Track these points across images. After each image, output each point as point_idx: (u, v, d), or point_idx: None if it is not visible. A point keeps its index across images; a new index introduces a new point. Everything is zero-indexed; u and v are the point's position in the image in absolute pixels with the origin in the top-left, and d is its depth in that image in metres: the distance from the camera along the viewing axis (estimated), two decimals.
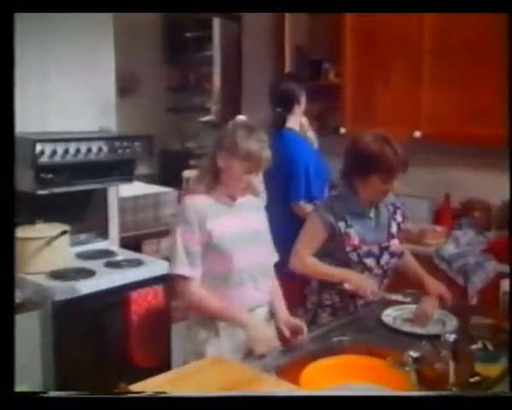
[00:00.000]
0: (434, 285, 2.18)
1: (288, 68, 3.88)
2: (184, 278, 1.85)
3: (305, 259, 2.15)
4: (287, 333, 1.87)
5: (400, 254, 2.22)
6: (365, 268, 2.14)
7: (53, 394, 1.22)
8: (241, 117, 1.93)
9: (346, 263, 2.12)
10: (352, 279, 2.07)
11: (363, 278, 2.10)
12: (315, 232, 2.15)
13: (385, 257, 2.17)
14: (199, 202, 1.87)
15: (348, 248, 2.11)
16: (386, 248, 2.17)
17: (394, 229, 2.22)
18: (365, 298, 2.09)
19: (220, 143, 1.87)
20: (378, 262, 2.15)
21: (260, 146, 1.82)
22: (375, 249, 2.14)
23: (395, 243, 2.19)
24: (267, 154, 1.84)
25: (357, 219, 2.14)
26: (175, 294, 1.97)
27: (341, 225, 2.12)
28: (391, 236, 2.20)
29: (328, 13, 3.42)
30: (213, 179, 1.89)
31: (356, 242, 2.12)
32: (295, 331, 1.87)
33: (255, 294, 1.93)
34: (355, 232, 2.12)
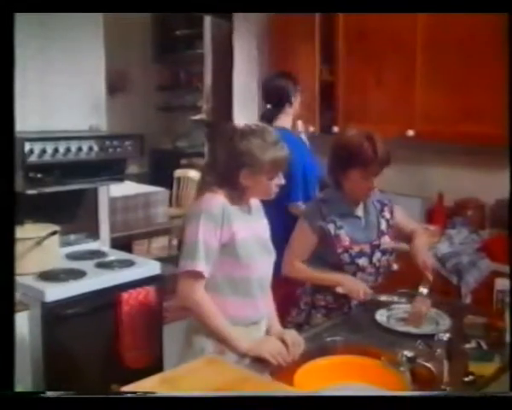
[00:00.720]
0: (421, 253, 2.16)
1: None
2: (198, 275, 1.76)
3: (296, 266, 2.17)
4: (284, 352, 1.76)
5: (392, 251, 2.23)
6: (358, 268, 2.15)
7: (53, 394, 1.22)
8: (239, 123, 1.88)
9: (338, 265, 2.14)
10: (344, 283, 2.09)
11: (355, 281, 2.11)
12: (304, 239, 2.17)
13: (377, 255, 2.18)
14: (223, 200, 1.79)
15: (339, 250, 2.12)
16: (378, 246, 2.18)
17: (384, 226, 2.23)
18: (358, 300, 2.10)
19: (236, 160, 1.77)
20: (370, 261, 2.16)
21: (278, 150, 1.77)
22: (367, 249, 2.16)
23: (386, 241, 2.21)
24: (286, 151, 1.80)
25: (346, 220, 2.15)
26: (170, 295, 1.93)
27: (331, 227, 2.13)
28: (381, 233, 2.21)
29: (322, 13, 3.46)
30: (235, 192, 1.81)
31: (347, 243, 2.13)
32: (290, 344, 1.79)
33: (262, 306, 1.88)
34: (345, 233, 2.13)
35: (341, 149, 2.15)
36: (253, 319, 1.86)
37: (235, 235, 1.78)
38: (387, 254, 2.22)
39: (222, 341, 1.78)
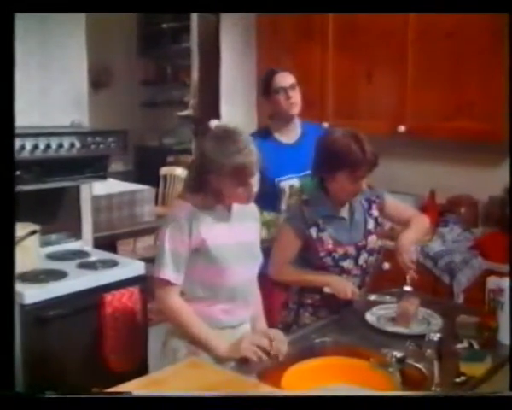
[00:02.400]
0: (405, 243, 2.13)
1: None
2: (168, 283, 1.81)
3: (282, 269, 2.17)
4: (265, 344, 1.77)
5: (379, 250, 2.23)
6: (343, 271, 2.14)
7: (53, 394, 1.25)
8: (214, 124, 1.87)
9: (321, 268, 2.13)
10: (331, 284, 2.09)
11: (343, 281, 2.10)
12: (287, 242, 2.16)
13: (363, 256, 2.17)
14: (193, 208, 1.82)
15: (322, 253, 2.12)
16: (364, 246, 2.17)
17: (371, 225, 2.21)
18: (346, 299, 2.10)
19: (204, 165, 1.80)
20: (356, 263, 2.16)
21: (244, 156, 1.75)
22: (352, 250, 2.15)
23: (373, 240, 2.19)
24: (253, 157, 1.77)
25: (330, 222, 2.14)
26: (153, 297, 1.93)
27: (313, 230, 2.12)
28: (368, 233, 2.20)
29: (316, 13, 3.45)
30: (209, 196, 1.84)
31: (330, 246, 2.12)
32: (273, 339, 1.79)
33: (243, 311, 1.91)
34: (328, 236, 2.12)
35: (328, 149, 2.10)
36: (230, 323, 1.87)
37: (206, 241, 1.81)
38: (375, 254, 2.21)
39: (200, 345, 1.81)
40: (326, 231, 2.13)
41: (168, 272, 1.80)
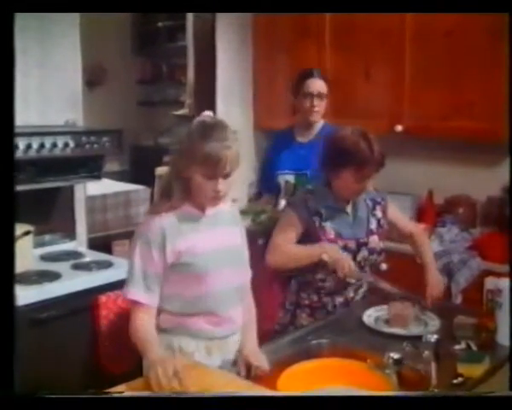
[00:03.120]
0: (434, 282, 2.18)
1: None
2: (138, 303, 1.73)
3: (283, 247, 2.15)
4: (255, 364, 1.72)
5: (381, 251, 2.23)
6: None
7: (53, 394, 1.26)
8: (205, 114, 1.80)
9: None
10: (329, 252, 2.07)
11: (340, 252, 2.09)
12: (289, 225, 2.16)
13: (363, 253, 2.18)
14: (163, 220, 1.73)
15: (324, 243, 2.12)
16: (365, 244, 2.19)
17: (374, 225, 2.23)
18: (344, 274, 2.06)
19: (181, 152, 1.74)
20: (355, 258, 2.16)
21: (220, 146, 1.66)
22: (352, 245, 2.16)
23: (374, 240, 2.21)
24: (230, 154, 1.67)
25: (332, 214, 2.15)
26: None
27: (316, 219, 2.14)
28: (370, 232, 2.21)
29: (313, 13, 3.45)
30: (181, 191, 1.75)
31: (331, 236, 2.13)
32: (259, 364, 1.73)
33: (231, 322, 1.81)
34: (331, 227, 2.14)
35: (336, 146, 2.11)
36: (219, 334, 1.79)
37: (182, 253, 1.72)
38: (375, 254, 2.22)
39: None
40: (328, 221, 2.14)
41: (138, 292, 1.72)
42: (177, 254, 1.73)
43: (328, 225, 2.14)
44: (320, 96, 2.74)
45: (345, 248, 2.14)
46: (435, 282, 2.18)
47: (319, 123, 2.81)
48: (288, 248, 2.14)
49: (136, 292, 1.73)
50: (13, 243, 1.33)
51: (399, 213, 2.37)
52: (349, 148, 2.05)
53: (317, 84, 2.75)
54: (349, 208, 2.20)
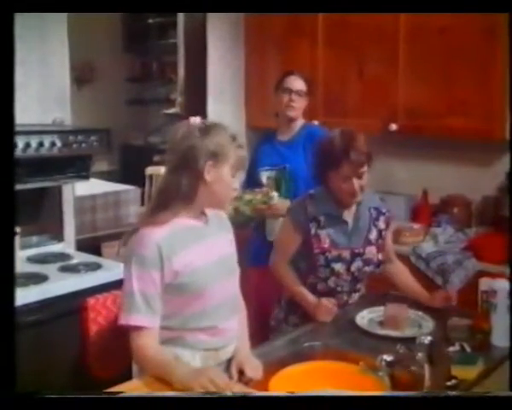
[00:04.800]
0: (431, 299, 2.19)
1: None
2: (142, 328, 1.67)
3: (278, 267, 2.23)
4: (248, 372, 1.70)
5: (379, 263, 2.22)
6: (332, 273, 2.16)
7: (53, 394, 1.27)
8: (197, 119, 1.77)
9: (313, 266, 2.16)
10: (314, 308, 2.11)
11: (325, 308, 2.08)
12: (287, 237, 2.22)
13: (357, 263, 2.17)
14: (157, 236, 1.67)
15: (316, 251, 2.13)
16: (360, 254, 2.18)
17: (374, 235, 2.21)
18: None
19: (202, 153, 1.69)
20: (348, 268, 2.16)
21: (237, 144, 1.75)
22: (346, 255, 2.15)
23: (371, 251, 2.19)
24: (245, 152, 1.81)
25: (331, 222, 2.15)
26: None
27: (312, 225, 2.14)
28: (368, 242, 2.20)
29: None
30: (189, 199, 1.71)
31: (325, 245, 2.14)
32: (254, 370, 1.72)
33: (227, 332, 1.80)
34: (326, 235, 2.14)
35: (316, 149, 2.19)
36: (215, 345, 1.78)
37: (179, 271, 1.68)
38: (372, 266, 2.21)
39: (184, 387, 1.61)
40: (325, 229, 2.14)
41: (140, 316, 1.66)
42: (174, 274, 1.68)
43: (323, 232, 2.14)
44: (298, 93, 2.81)
45: (339, 257, 2.14)
46: (438, 297, 2.20)
47: (299, 122, 2.89)
48: (283, 271, 2.22)
49: (138, 317, 1.66)
50: (13, 244, 1.34)
51: (390, 235, 2.39)
52: (325, 149, 2.13)
53: (297, 82, 2.84)
54: (350, 217, 2.19)
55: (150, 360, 1.68)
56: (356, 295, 2.27)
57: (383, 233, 2.24)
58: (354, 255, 2.16)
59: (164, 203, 1.72)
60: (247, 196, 2.74)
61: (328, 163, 2.09)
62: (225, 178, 1.73)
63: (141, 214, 1.81)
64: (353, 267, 2.17)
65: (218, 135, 1.73)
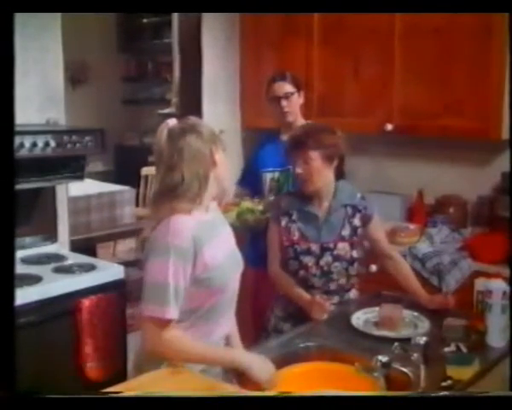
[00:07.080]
0: (429, 300, 2.19)
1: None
2: (166, 321, 1.63)
3: (272, 269, 2.30)
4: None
5: (352, 261, 2.23)
6: (301, 266, 2.21)
7: (53, 394, 1.27)
8: (172, 122, 1.80)
9: (284, 258, 2.24)
10: (308, 307, 2.12)
11: (321, 313, 2.10)
12: (272, 237, 2.31)
13: (326, 258, 2.20)
14: (194, 226, 1.63)
15: (286, 243, 2.22)
16: (329, 249, 2.20)
17: (347, 232, 2.23)
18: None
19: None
20: (317, 262, 2.20)
21: (194, 138, 1.73)
22: (316, 248, 2.20)
23: (343, 247, 2.21)
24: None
25: (302, 216, 2.23)
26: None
27: (284, 219, 2.24)
28: (341, 238, 2.21)
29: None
30: (202, 187, 1.67)
31: (294, 238, 2.21)
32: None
33: (224, 326, 1.81)
34: (296, 228, 2.22)
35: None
36: (210, 341, 1.78)
37: (207, 266, 1.66)
38: (344, 262, 2.21)
39: (224, 365, 1.70)
40: (296, 223, 2.23)
41: (171, 310, 1.61)
42: (204, 267, 1.66)
43: (294, 226, 2.22)
44: (287, 96, 2.79)
45: (308, 250, 2.20)
46: (436, 300, 2.20)
47: (300, 122, 2.86)
48: (275, 273, 2.28)
49: (170, 311, 1.61)
50: (13, 244, 1.35)
51: (383, 233, 2.39)
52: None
53: (281, 87, 2.81)
54: (320, 211, 2.23)
55: (191, 349, 1.68)
56: (348, 295, 2.28)
57: (359, 231, 2.24)
58: (323, 250, 2.20)
59: (182, 194, 1.66)
60: (248, 204, 2.72)
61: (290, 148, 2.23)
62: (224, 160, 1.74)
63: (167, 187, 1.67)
64: (322, 262, 2.20)
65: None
